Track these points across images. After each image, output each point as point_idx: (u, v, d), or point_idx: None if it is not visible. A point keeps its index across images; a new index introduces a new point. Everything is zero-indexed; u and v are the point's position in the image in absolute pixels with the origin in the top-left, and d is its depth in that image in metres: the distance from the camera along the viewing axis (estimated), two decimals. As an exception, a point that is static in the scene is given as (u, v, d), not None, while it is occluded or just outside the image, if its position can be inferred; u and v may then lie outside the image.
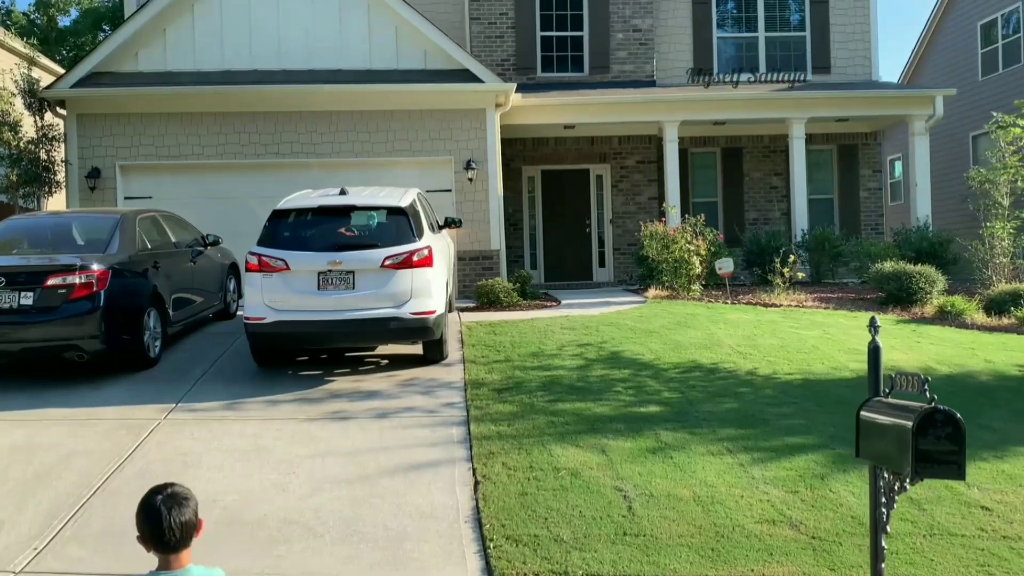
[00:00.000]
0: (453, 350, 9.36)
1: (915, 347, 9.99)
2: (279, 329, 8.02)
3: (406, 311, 8.05)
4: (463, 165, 13.58)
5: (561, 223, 16.55)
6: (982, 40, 22.73)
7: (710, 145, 16.96)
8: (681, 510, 5.68)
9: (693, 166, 16.99)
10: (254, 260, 8.12)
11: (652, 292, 12.88)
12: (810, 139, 15.73)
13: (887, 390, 3.75)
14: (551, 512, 5.60)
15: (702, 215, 13.26)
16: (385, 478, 6.17)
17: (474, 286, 12.77)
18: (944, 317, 11.54)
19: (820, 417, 7.48)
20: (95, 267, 8.12)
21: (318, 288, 8.04)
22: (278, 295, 8.02)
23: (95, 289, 8.07)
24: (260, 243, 8.29)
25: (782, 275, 12.65)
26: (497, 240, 13.73)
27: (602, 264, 16.67)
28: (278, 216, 8.45)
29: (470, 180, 13.59)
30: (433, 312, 8.19)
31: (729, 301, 12.41)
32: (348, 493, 5.93)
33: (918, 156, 15.20)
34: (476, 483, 6.07)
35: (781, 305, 12.18)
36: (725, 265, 12.68)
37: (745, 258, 14.70)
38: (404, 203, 8.51)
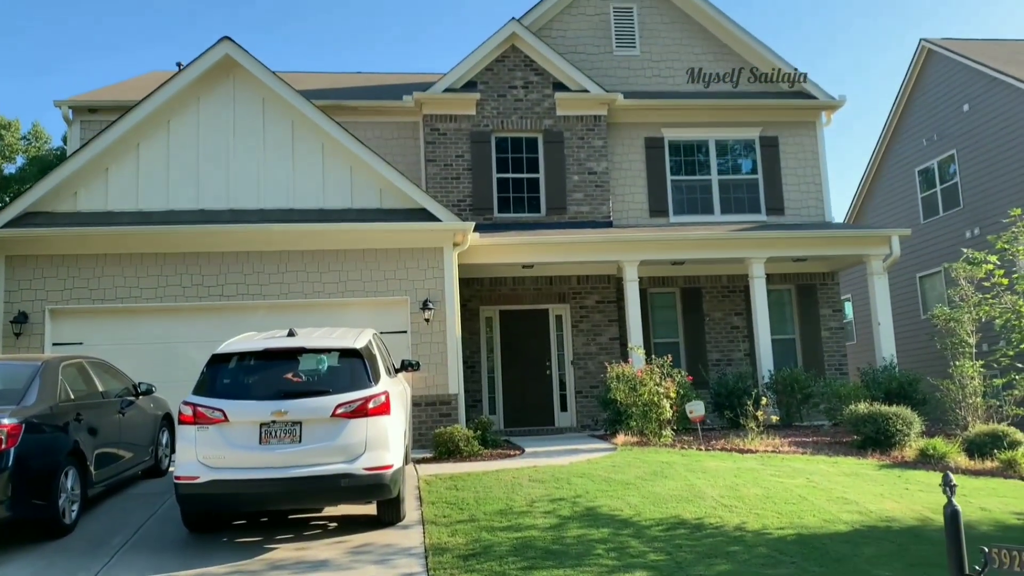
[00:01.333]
0: (411, 509, 8.44)
1: (905, 495, 9.37)
2: (214, 490, 7.06)
3: (359, 466, 7.19)
4: (420, 305, 13.02)
5: (521, 365, 15.94)
6: (921, 185, 23.56)
7: (669, 285, 16.76)
8: None
9: (653, 306, 16.71)
10: (188, 411, 7.25)
11: (621, 438, 12.17)
12: (769, 279, 15.63)
13: (978, 568, 3.06)
14: None
15: (668, 356, 12.78)
16: (334, 673, 5.17)
17: (431, 434, 11.92)
18: (926, 461, 11.02)
19: (823, 579, 6.71)
20: (6, 421, 7.16)
21: (260, 442, 7.16)
22: (214, 450, 7.12)
23: (4, 447, 7.08)
24: (196, 391, 7.45)
25: (755, 419, 12.09)
26: (455, 384, 13.00)
27: (564, 408, 15.96)
28: (217, 361, 7.66)
29: (427, 321, 12.99)
30: (390, 467, 7.35)
31: (702, 447, 11.74)
32: None
33: (878, 295, 15.13)
34: (443, 677, 5.11)
35: (757, 451, 11.55)
36: (697, 408, 12.09)
37: (713, 400, 14.16)
38: (359, 344, 7.82)
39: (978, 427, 11.86)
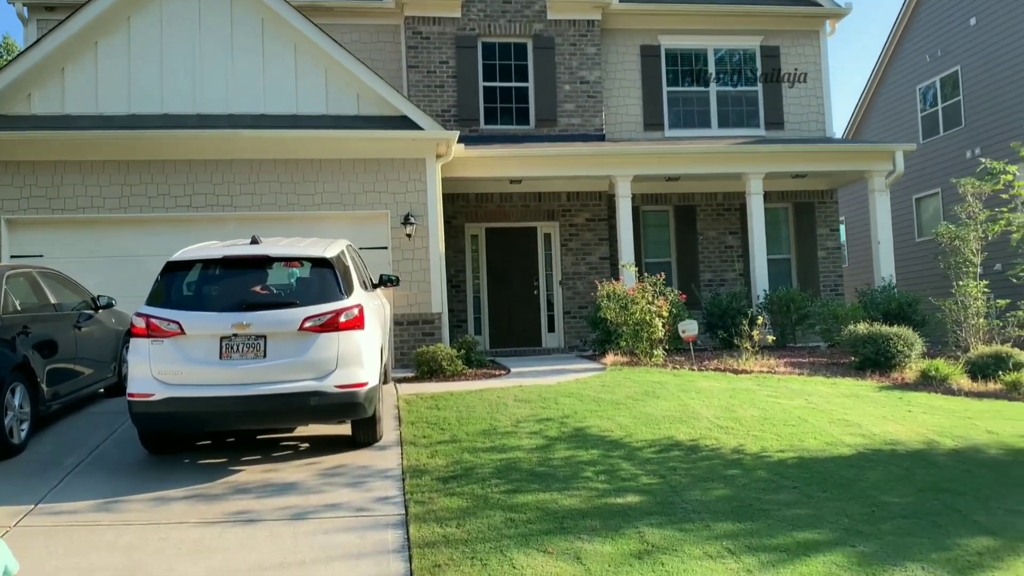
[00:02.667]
0: (388, 429, 7.94)
1: (908, 417, 8.94)
2: (170, 408, 6.49)
3: (330, 384, 6.62)
4: (401, 220, 12.33)
5: (507, 285, 15.34)
6: (921, 103, 22.73)
7: (663, 203, 16.08)
8: (686, 641, 4.34)
9: (646, 224, 16.06)
10: (140, 323, 6.63)
11: (611, 358, 11.68)
12: (766, 197, 14.95)
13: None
14: (519, 653, 4.20)
15: (661, 274, 12.19)
16: (297, 606, 4.70)
17: (413, 353, 11.38)
18: (928, 382, 10.59)
19: (828, 505, 6.27)
20: (-60, 334, 6.54)
21: (220, 357, 6.56)
22: (170, 366, 6.52)
23: (-60, 361, 6.48)
24: (150, 302, 6.82)
25: (751, 339, 11.60)
26: (439, 302, 12.42)
27: (552, 329, 15.45)
28: (173, 269, 7.00)
29: (408, 236, 12.33)
30: (364, 384, 6.79)
31: (695, 367, 11.27)
32: (246, 629, 4.44)
33: (879, 213, 14.53)
34: (418, 609, 4.65)
35: (752, 371, 11.09)
36: (690, 328, 11.59)
37: (706, 320, 13.67)
38: (329, 254, 7.16)
39: (980, 348, 11.43)
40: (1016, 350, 11.15)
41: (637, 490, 6.42)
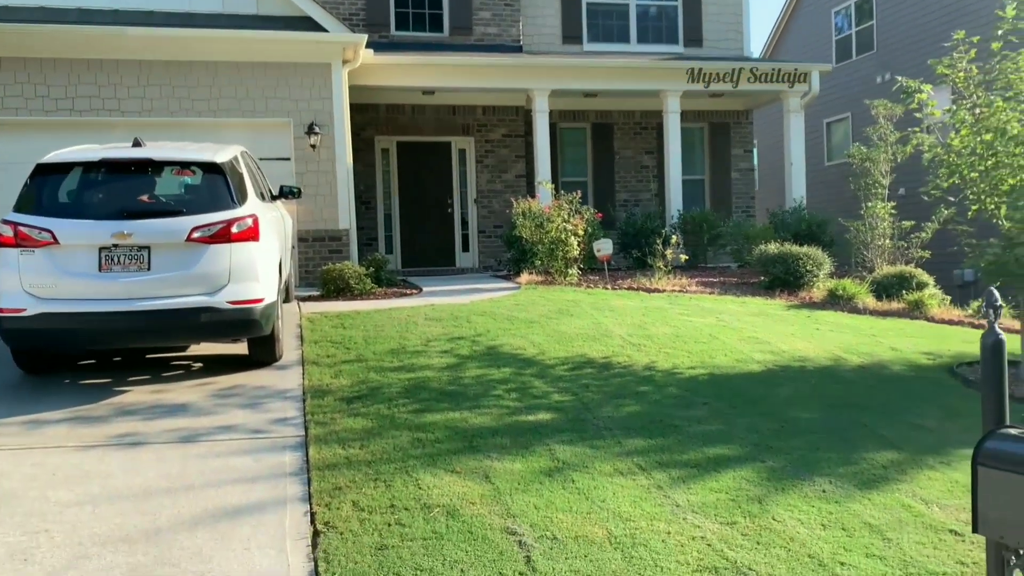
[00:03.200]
0: (290, 349, 7.54)
1: (817, 335, 9.05)
2: (44, 324, 5.93)
3: (222, 299, 6.16)
4: (304, 129, 11.64)
5: (420, 202, 14.86)
6: (836, 27, 22.83)
7: (580, 120, 15.74)
8: (596, 559, 4.21)
9: (563, 142, 15.73)
10: (7, 231, 5.99)
11: (525, 277, 11.46)
12: (682, 117, 14.74)
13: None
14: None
15: (577, 192, 11.93)
16: (184, 533, 4.35)
17: (319, 272, 10.90)
18: (835, 301, 10.77)
19: (738, 421, 6.25)
20: None
21: (99, 269, 6.00)
22: (43, 278, 5.93)
23: None
24: (19, 208, 6.16)
25: (664, 258, 11.54)
26: (346, 218, 11.89)
27: (466, 248, 15.11)
28: (45, 172, 6.32)
29: (313, 147, 11.68)
30: (260, 300, 6.35)
31: (609, 286, 11.17)
32: (127, 560, 4.09)
33: (793, 134, 14.56)
34: (315, 535, 4.37)
35: (664, 290, 11.06)
36: (605, 247, 11.43)
37: (620, 240, 13.55)
38: (221, 159, 6.59)
39: (885, 269, 11.69)
40: (919, 270, 11.43)
41: (549, 407, 6.26)
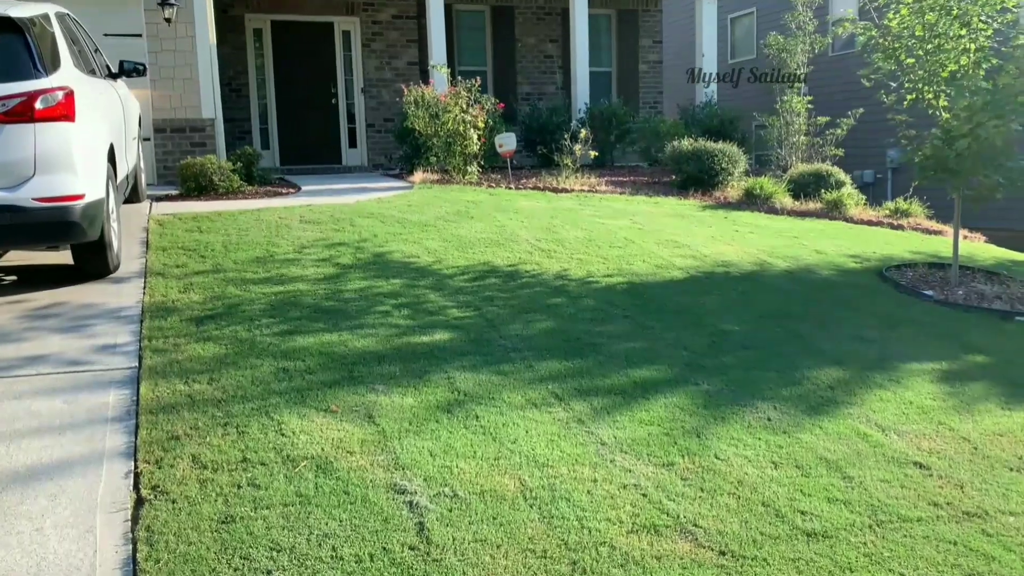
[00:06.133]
0: (131, 258, 6.24)
1: (737, 237, 8.32)
2: None
3: (26, 196, 4.81)
4: (157, 0, 9.89)
5: (300, 91, 13.25)
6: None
7: (478, 2, 14.29)
8: (508, 522, 3.32)
9: (459, 27, 14.29)
10: None
11: (420, 175, 10.27)
12: (588, 2, 13.52)
13: None
14: (280, 559, 2.99)
15: (477, 79, 10.67)
16: (-46, 509, 3.21)
17: (177, 167, 9.40)
18: (752, 201, 10.08)
19: (664, 336, 5.44)
20: None
21: None
22: None
23: None
24: None
25: (573, 155, 10.54)
26: (211, 106, 10.31)
27: (353, 144, 13.69)
28: None
29: (168, 22, 9.96)
30: (80, 197, 5.02)
31: (513, 186, 10.12)
32: None
33: (705, 23, 13.59)
34: (138, 504, 3.30)
35: (573, 190, 10.11)
36: (508, 142, 10.32)
37: (524, 136, 12.44)
38: (20, 15, 5.09)
39: (801, 167, 11.06)
40: (836, 168, 10.87)
41: (447, 326, 5.27)
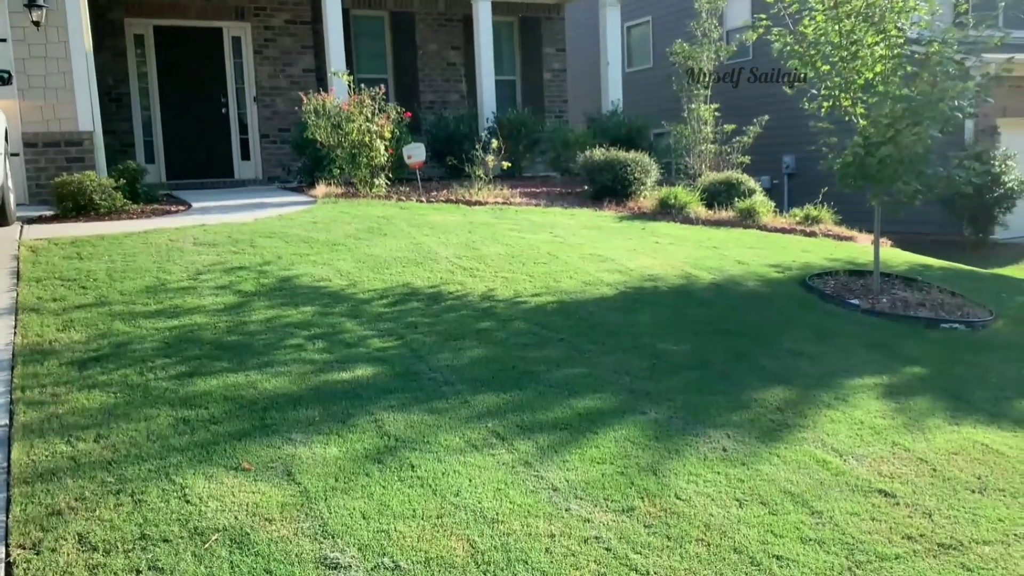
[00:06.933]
0: (0, 291, 5.48)
1: (658, 249, 8.12)
2: None
3: None
4: (23, 1, 8.96)
5: (187, 100, 12.38)
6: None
7: (376, 7, 13.75)
8: (461, 596, 2.88)
9: (357, 33, 13.70)
10: None
11: (322, 189, 9.66)
12: (492, 9, 13.20)
13: None
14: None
15: (381, 87, 10.14)
16: None
17: (51, 184, 8.50)
18: (667, 211, 9.93)
19: (603, 360, 5.11)
20: None
21: None
22: None
23: None
24: None
25: (485, 165, 10.14)
26: (88, 118, 9.42)
27: (246, 156, 12.90)
28: None
29: (37, 25, 9.04)
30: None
31: (424, 199, 9.65)
32: None
33: (609, 29, 13.46)
34: (9, 606, 2.71)
35: (487, 202, 9.72)
36: (416, 153, 9.84)
37: (431, 146, 11.95)
38: None
39: (711, 176, 11.01)
40: (745, 176, 10.87)
41: (369, 359, 4.77)
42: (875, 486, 3.92)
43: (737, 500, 3.68)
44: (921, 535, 3.56)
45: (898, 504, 3.80)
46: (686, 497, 3.66)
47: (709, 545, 3.33)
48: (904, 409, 4.82)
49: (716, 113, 11.83)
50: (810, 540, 3.44)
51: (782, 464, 4.04)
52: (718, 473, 3.89)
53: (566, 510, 3.47)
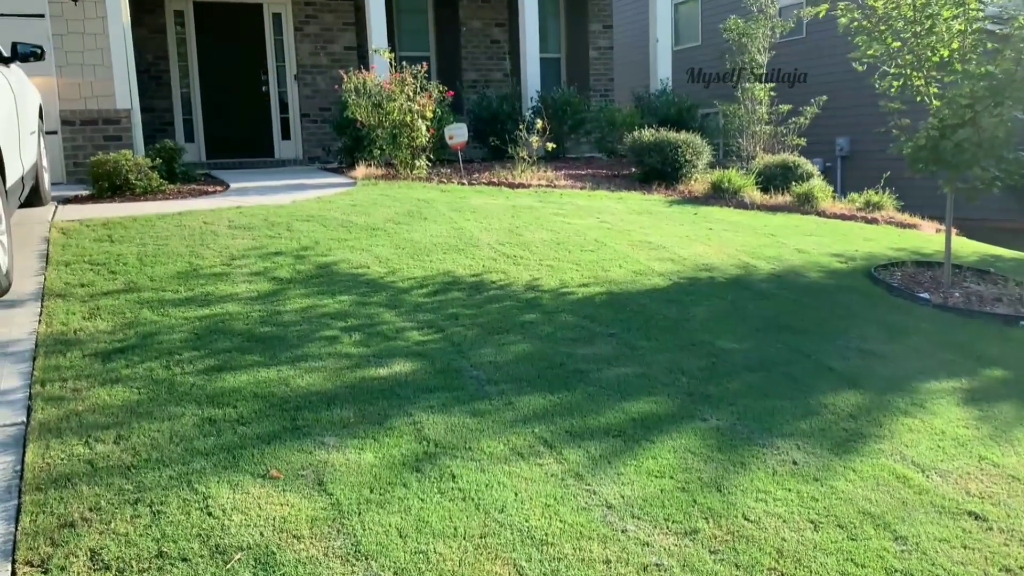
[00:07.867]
0: (26, 275, 5.27)
1: (712, 236, 7.70)
2: None
3: None
4: (60, -25, 8.79)
5: (227, 78, 12.18)
6: None
7: (420, -17, 13.40)
8: (507, 632, 2.58)
9: (400, 9, 13.37)
10: None
11: (362, 171, 9.39)
12: (535, -16, 12.74)
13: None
14: None
15: (423, 64, 9.81)
16: None
17: (88, 163, 8.34)
18: (719, 195, 9.49)
19: (657, 359, 4.75)
20: None
21: None
22: None
23: None
24: None
25: (529, 147, 9.77)
26: (126, 96, 9.24)
27: (286, 135, 12.68)
28: None
29: (75, 1, 8.85)
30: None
31: (465, 181, 9.32)
32: None
33: (660, 6, 12.94)
34: (13, 633, 2.45)
35: (530, 185, 9.37)
36: (459, 133, 9.50)
37: (473, 126, 11.62)
38: None
39: (766, 158, 10.52)
40: (802, 159, 10.37)
41: (407, 353, 4.48)
42: (964, 507, 3.53)
43: (811, 522, 3.32)
44: (1021, 567, 3.17)
45: (991, 529, 3.40)
46: (755, 518, 3.31)
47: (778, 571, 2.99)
48: (988, 417, 4.40)
49: (772, 93, 11.30)
50: (896, 572, 3.07)
51: (859, 480, 3.66)
52: (789, 490, 3.53)
53: (622, 531, 3.14)
